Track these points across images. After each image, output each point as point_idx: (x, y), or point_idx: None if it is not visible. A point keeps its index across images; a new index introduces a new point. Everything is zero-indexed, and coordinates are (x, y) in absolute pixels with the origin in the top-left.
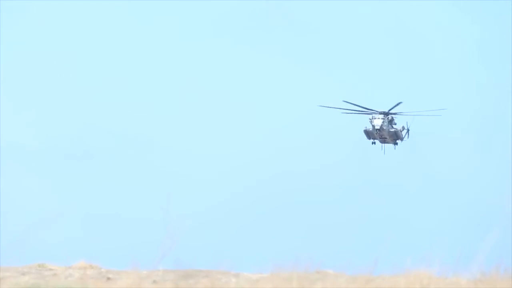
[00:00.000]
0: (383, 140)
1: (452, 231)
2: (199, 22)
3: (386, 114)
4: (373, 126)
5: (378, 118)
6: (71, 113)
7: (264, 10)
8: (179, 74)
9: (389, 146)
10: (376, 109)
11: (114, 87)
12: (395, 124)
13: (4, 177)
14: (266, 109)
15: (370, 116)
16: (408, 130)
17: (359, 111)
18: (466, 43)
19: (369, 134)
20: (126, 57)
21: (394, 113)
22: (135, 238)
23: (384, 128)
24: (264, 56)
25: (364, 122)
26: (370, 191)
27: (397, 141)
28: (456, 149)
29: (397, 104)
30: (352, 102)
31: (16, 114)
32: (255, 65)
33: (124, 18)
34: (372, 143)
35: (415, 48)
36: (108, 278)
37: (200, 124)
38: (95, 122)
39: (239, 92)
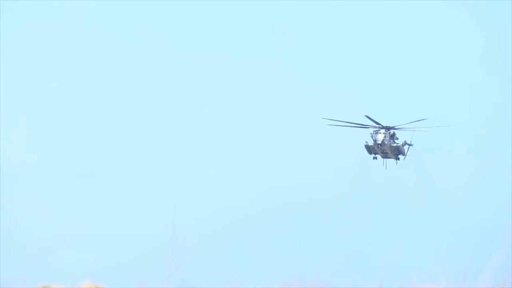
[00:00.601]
0: (385, 155)
1: (459, 247)
2: (205, 40)
3: (388, 129)
4: (375, 140)
5: (380, 133)
6: (77, 134)
7: (270, 26)
8: (183, 94)
9: (391, 161)
10: (382, 124)
11: (119, 109)
12: (397, 139)
13: (9, 198)
14: (270, 124)
15: (372, 131)
16: (410, 145)
17: (360, 125)
18: (473, 55)
19: (370, 149)
20: (132, 80)
21: (396, 128)
22: (141, 257)
23: (386, 143)
24: (268, 71)
25: (365, 137)
26: (376, 207)
27: (399, 156)
28: (461, 165)
29: (419, 120)
30: (373, 118)
31: (22, 135)
32: (258, 81)
33: (133, 40)
34: (374, 158)
35: (419, 63)
36: None
37: (204, 142)
38: (100, 143)
39: (243, 109)
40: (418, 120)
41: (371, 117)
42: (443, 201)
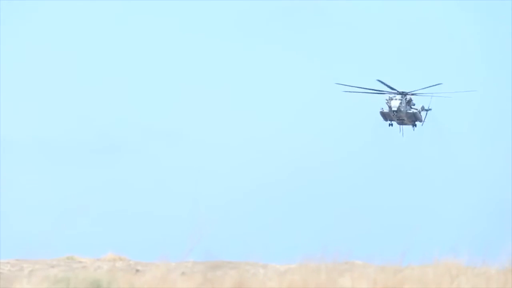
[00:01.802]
0: (401, 122)
1: (480, 220)
2: (221, 19)
3: (404, 94)
4: (390, 107)
5: (396, 99)
6: (98, 107)
7: (282, 8)
8: (205, 69)
9: (408, 128)
10: (397, 89)
11: (141, 81)
12: (414, 105)
13: (33, 171)
14: (289, 99)
15: (387, 97)
16: (427, 110)
17: (376, 91)
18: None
19: (386, 115)
20: (154, 51)
21: (413, 93)
22: (163, 230)
23: (402, 109)
24: (284, 50)
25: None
26: (397, 179)
27: (416, 122)
28: (484, 135)
29: (435, 85)
30: (385, 82)
31: (43, 108)
32: (280, 54)
33: (150, 16)
34: (389, 125)
35: (435, 31)
36: (137, 270)
37: (227, 117)
38: (122, 116)
39: (263, 84)
40: (434, 85)
41: (383, 81)
42: (465, 172)
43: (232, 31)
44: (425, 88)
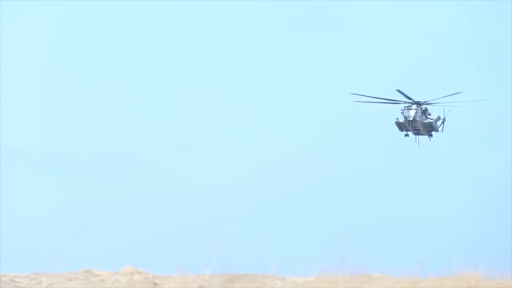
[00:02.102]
0: (417, 132)
1: (499, 231)
2: (237, 30)
3: (419, 104)
4: (406, 117)
5: (411, 109)
6: (113, 119)
7: (294, 10)
8: (217, 80)
9: (424, 138)
10: (414, 99)
11: (156, 93)
12: (429, 115)
13: (50, 184)
14: (302, 104)
15: (402, 107)
16: (444, 120)
17: (391, 100)
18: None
19: (401, 126)
20: (168, 62)
21: (428, 103)
22: (181, 242)
23: (418, 119)
24: (296, 52)
25: (396, 113)
26: (415, 190)
27: (432, 132)
28: (502, 143)
29: (454, 94)
30: (404, 93)
31: (58, 121)
32: (290, 61)
33: (166, 29)
34: (405, 135)
35: (451, 40)
36: (155, 283)
37: (243, 128)
38: (138, 128)
39: (278, 95)
40: (452, 94)
41: (402, 91)
42: (483, 184)
43: (244, 41)
44: (442, 97)
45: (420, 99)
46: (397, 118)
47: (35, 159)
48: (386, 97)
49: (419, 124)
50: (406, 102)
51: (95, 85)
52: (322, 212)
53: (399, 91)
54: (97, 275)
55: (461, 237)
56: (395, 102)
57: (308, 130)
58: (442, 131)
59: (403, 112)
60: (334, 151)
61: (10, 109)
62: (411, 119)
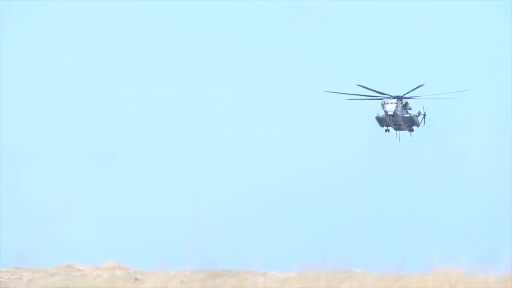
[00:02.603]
0: (397, 127)
1: (480, 228)
2: (221, 28)
3: (399, 98)
4: (386, 112)
5: (391, 103)
6: (97, 115)
7: (277, 11)
8: (203, 77)
9: (405, 133)
10: (389, 93)
11: (140, 89)
12: (410, 109)
13: (32, 178)
14: (287, 107)
15: (382, 101)
16: (424, 115)
17: (369, 96)
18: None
19: (381, 121)
20: (153, 60)
21: (409, 97)
22: (162, 238)
23: (398, 113)
24: (284, 57)
25: (376, 109)
26: (396, 186)
27: (413, 127)
28: (482, 140)
29: (417, 87)
30: (366, 86)
31: (42, 115)
32: (279, 62)
33: (151, 26)
34: (386, 130)
35: (430, 38)
36: (136, 279)
37: (226, 124)
38: (121, 124)
39: (262, 92)
40: (418, 87)
41: (364, 85)
42: (463, 179)
43: (232, 38)
44: (412, 90)
45: (398, 93)
46: (378, 113)
47: (19, 155)
48: (365, 93)
49: (400, 119)
50: (384, 96)
51: (80, 82)
52: (304, 209)
53: (360, 85)
54: (79, 270)
55: (442, 234)
56: (376, 98)
57: (293, 127)
58: (424, 124)
59: (383, 106)
60: (318, 149)
61: None
62: (391, 113)
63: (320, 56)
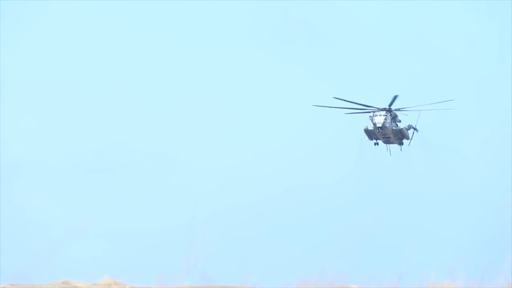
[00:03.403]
0: (387, 140)
1: (477, 244)
2: (223, 34)
3: (388, 110)
4: (375, 124)
5: (380, 115)
6: (93, 129)
7: (282, 21)
8: (201, 89)
9: (395, 147)
10: (375, 106)
11: (136, 104)
12: (399, 121)
13: (26, 193)
14: (282, 119)
15: (371, 114)
16: (415, 129)
17: (358, 109)
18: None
19: (370, 133)
20: (149, 75)
21: (398, 109)
22: (159, 253)
23: (387, 126)
24: (280, 66)
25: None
26: (393, 202)
27: (403, 140)
28: (481, 155)
29: (394, 98)
30: (342, 98)
31: (38, 130)
32: (273, 75)
33: (149, 34)
34: (375, 144)
35: (418, 47)
36: None
37: (220, 139)
38: (117, 138)
39: (257, 105)
40: (394, 98)
41: (339, 97)
42: (461, 194)
43: (226, 52)
44: (392, 102)
45: (392, 106)
46: (366, 126)
47: (13, 170)
48: (350, 106)
49: (389, 131)
50: (373, 109)
51: (76, 96)
52: (302, 225)
53: (336, 98)
54: (75, 286)
55: (439, 250)
56: (365, 110)
57: (288, 140)
58: (413, 135)
59: (372, 118)
60: (314, 164)
61: None
62: (380, 125)
63: (315, 67)
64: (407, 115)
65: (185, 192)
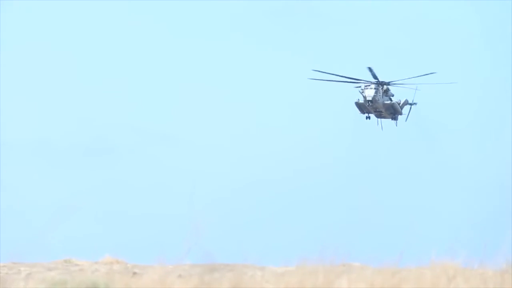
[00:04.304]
0: (379, 114)
1: (477, 221)
2: (218, 22)
3: (379, 84)
4: (365, 97)
5: (370, 88)
6: (94, 109)
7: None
8: (200, 72)
9: (390, 122)
10: (364, 79)
11: (136, 83)
12: (392, 95)
13: (29, 172)
14: (283, 101)
15: (362, 86)
16: (412, 104)
17: (348, 82)
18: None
19: (361, 107)
20: (149, 53)
21: (389, 83)
22: (160, 232)
23: (378, 99)
24: (279, 51)
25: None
26: (393, 179)
27: (396, 115)
28: (482, 133)
29: (370, 70)
30: (322, 71)
31: (39, 110)
32: (270, 61)
33: (148, 19)
34: (366, 117)
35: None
36: (134, 273)
37: (223, 118)
38: (118, 118)
39: (259, 87)
40: (423, 75)
41: (372, 69)
42: (461, 171)
43: (228, 33)
44: (409, 78)
45: (385, 79)
46: (358, 99)
47: (13, 149)
48: (346, 75)
49: (380, 105)
50: (367, 82)
51: (76, 75)
52: (302, 202)
53: (369, 68)
54: (77, 265)
55: (439, 228)
56: (356, 81)
57: (289, 121)
58: (410, 110)
59: (362, 91)
60: (315, 143)
61: None
62: (370, 98)
63: (316, 51)
64: (403, 87)
65: (186, 171)
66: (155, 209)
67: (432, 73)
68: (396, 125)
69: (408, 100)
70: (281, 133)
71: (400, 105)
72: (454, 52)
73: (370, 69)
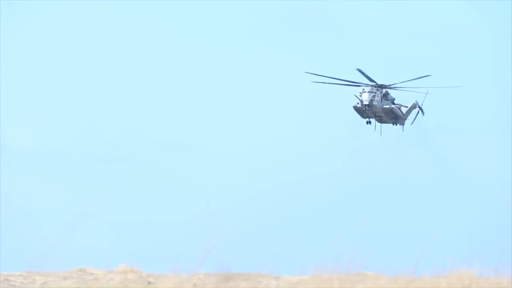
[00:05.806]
0: (379, 119)
1: (493, 230)
2: (228, 28)
3: (378, 87)
4: (361, 101)
5: (366, 92)
6: (105, 117)
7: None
8: (210, 78)
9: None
10: (363, 82)
11: (150, 92)
12: (393, 99)
13: (43, 182)
14: (295, 107)
15: (360, 90)
16: (420, 108)
17: (346, 85)
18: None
19: (360, 111)
20: (163, 62)
21: (388, 86)
22: (175, 241)
23: (376, 104)
24: (285, 57)
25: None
26: (409, 188)
27: (399, 120)
28: (496, 139)
29: (361, 72)
30: (364, 72)
31: (52, 119)
32: (279, 66)
33: (157, 27)
34: (367, 122)
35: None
36: (149, 282)
37: (235, 126)
38: (131, 126)
39: (269, 92)
40: (419, 77)
41: (363, 70)
42: (477, 180)
43: (245, 41)
44: (409, 80)
45: (385, 82)
46: (357, 103)
47: (28, 158)
48: (343, 78)
49: (379, 110)
50: (367, 85)
51: (88, 84)
52: (317, 211)
53: (359, 70)
54: (91, 274)
55: (455, 237)
56: (355, 84)
57: (303, 127)
58: (423, 115)
59: (360, 95)
60: (329, 151)
61: (3, 109)
62: (366, 102)
63: (325, 56)
64: (404, 90)
65: (200, 179)
66: (169, 218)
67: (427, 75)
68: (403, 130)
69: (417, 103)
70: (295, 139)
71: (408, 109)
72: (455, 54)
73: (360, 71)
